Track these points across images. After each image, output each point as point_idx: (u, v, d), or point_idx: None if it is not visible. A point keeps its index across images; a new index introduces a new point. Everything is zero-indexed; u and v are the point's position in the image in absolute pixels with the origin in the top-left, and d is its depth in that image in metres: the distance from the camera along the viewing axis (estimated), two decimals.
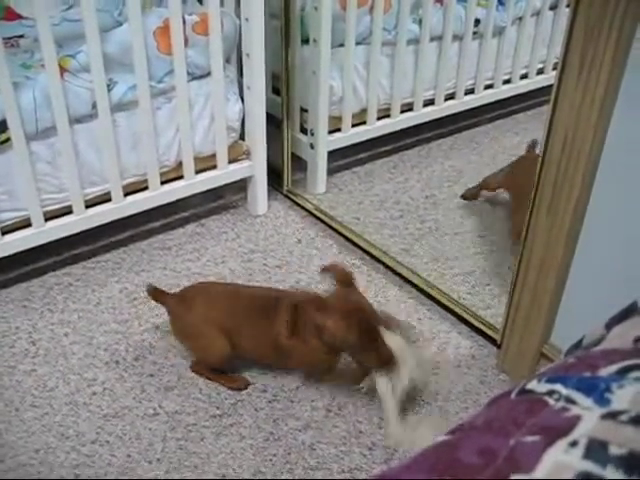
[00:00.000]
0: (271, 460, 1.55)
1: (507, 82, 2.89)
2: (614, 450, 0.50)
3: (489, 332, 1.87)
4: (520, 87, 2.94)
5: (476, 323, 1.91)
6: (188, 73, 2.03)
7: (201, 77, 2.09)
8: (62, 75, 1.81)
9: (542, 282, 1.59)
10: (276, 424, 1.63)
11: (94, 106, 1.89)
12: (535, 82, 2.96)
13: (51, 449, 1.56)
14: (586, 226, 1.48)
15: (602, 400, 0.55)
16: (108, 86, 1.89)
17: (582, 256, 1.52)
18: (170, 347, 1.84)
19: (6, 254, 1.91)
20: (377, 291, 2.04)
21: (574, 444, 0.51)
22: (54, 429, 1.61)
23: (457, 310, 1.96)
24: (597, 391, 0.57)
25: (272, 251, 2.21)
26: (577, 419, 0.54)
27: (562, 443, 0.51)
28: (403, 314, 1.96)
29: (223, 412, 1.66)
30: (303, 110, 2.43)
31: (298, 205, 2.43)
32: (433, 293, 2.02)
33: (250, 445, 1.58)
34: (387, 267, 2.13)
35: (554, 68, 2.87)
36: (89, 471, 1.51)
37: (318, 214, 2.37)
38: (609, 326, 0.80)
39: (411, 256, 2.19)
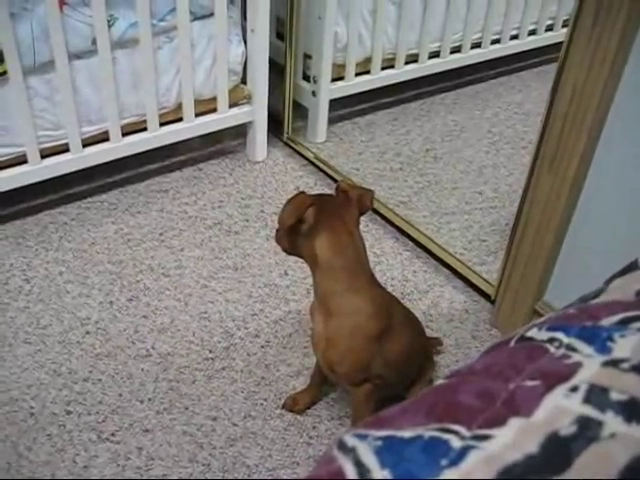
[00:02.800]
0: (262, 404, 1.56)
1: (515, 38, 2.84)
2: (615, 396, 0.50)
3: (483, 287, 1.87)
4: (528, 43, 2.89)
5: (471, 278, 1.91)
6: (191, 12, 1.98)
7: (204, 17, 2.04)
8: (61, 8, 1.77)
9: (540, 239, 1.58)
10: (268, 369, 1.64)
11: (94, 42, 1.85)
12: (543, 39, 2.91)
13: (43, 385, 1.57)
14: (588, 183, 1.46)
15: (604, 348, 0.55)
16: (108, 22, 1.85)
17: (582, 214, 1.51)
18: (164, 289, 1.83)
19: (1, 190, 1.89)
20: (373, 242, 2.03)
21: (574, 389, 0.51)
22: (47, 366, 1.62)
23: (452, 264, 1.95)
24: (599, 340, 0.56)
25: (270, 198, 2.20)
26: (578, 366, 0.53)
27: (562, 388, 0.51)
28: (398, 266, 1.96)
29: (215, 355, 1.67)
30: (306, 56, 2.39)
31: (297, 153, 2.41)
32: (429, 246, 2.01)
33: (241, 389, 1.59)
34: (384, 219, 2.12)
35: (564, 25, 2.83)
36: (80, 408, 1.52)
37: (317, 163, 2.35)
38: (608, 282, 0.79)
39: (409, 209, 2.18)
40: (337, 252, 1.27)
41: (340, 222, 1.28)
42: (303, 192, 1.29)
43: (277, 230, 1.35)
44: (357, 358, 1.32)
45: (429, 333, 1.74)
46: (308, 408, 1.55)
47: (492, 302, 1.81)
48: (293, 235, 1.30)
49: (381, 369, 1.33)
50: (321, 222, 1.26)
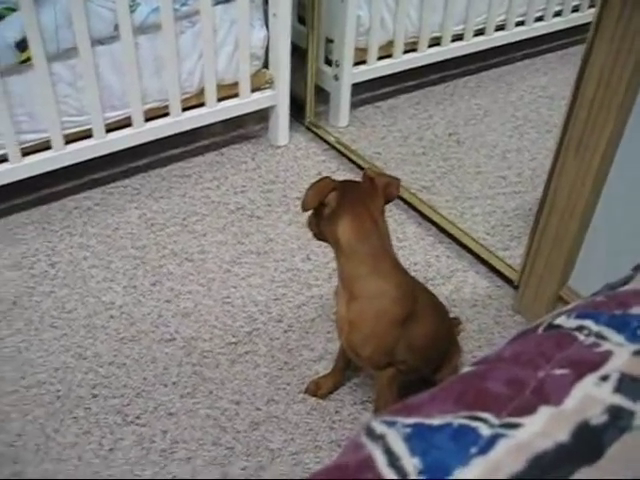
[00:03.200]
0: (285, 389, 1.57)
1: (539, 19, 2.80)
2: None
3: (507, 273, 1.86)
4: (553, 25, 2.84)
5: (494, 263, 1.90)
6: None
7: (226, 1, 2.04)
8: None
9: (565, 224, 1.57)
10: (291, 354, 1.65)
11: (116, 28, 1.85)
12: (569, 20, 2.86)
13: (69, 369, 1.59)
14: (615, 168, 1.44)
15: (634, 337, 0.54)
16: (131, 7, 1.85)
17: (608, 199, 1.49)
18: (187, 274, 1.84)
19: (26, 176, 1.91)
20: (396, 227, 2.03)
21: (605, 378, 0.50)
22: (72, 350, 1.64)
23: (476, 249, 1.94)
24: (629, 328, 0.55)
25: (292, 182, 2.20)
26: (608, 354, 0.53)
27: (592, 377, 0.50)
28: (421, 251, 1.95)
29: (238, 340, 1.68)
30: (329, 41, 2.37)
31: (319, 137, 2.40)
32: (452, 231, 2.00)
33: (264, 373, 1.60)
34: (407, 203, 2.11)
35: (590, 6, 2.78)
36: (106, 392, 1.54)
37: (339, 147, 2.34)
38: (637, 269, 0.78)
39: (432, 193, 2.17)
40: (359, 237, 1.27)
41: (363, 207, 1.28)
42: (327, 177, 1.29)
43: (309, 215, 1.36)
44: (380, 342, 1.32)
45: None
46: (331, 393, 1.55)
47: (515, 288, 1.80)
48: (318, 219, 1.31)
49: (405, 354, 1.33)
50: (343, 207, 1.26)
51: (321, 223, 1.31)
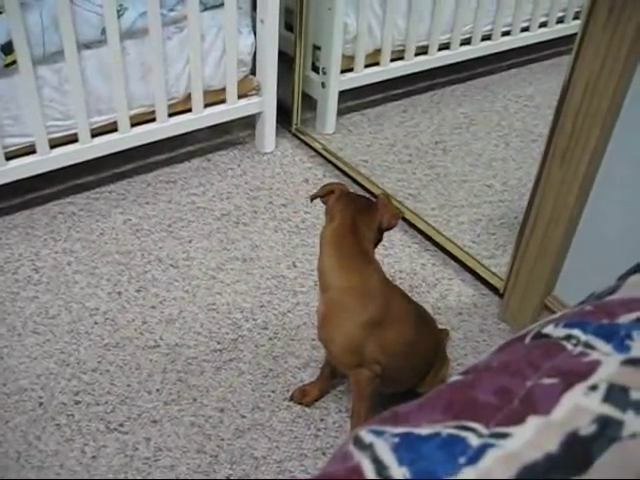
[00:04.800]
0: (269, 396, 1.56)
1: (525, 30, 2.82)
2: (635, 395, 0.49)
3: (492, 281, 1.86)
4: (538, 35, 2.87)
5: (480, 271, 1.90)
6: (201, 3, 1.97)
7: (214, 7, 2.03)
8: None
9: (550, 233, 1.57)
10: (276, 361, 1.64)
11: (103, 32, 1.84)
12: (554, 31, 2.89)
13: (52, 375, 1.57)
14: (600, 178, 1.45)
15: (622, 347, 0.54)
16: (118, 12, 1.84)
17: (593, 209, 1.50)
18: (172, 280, 1.83)
19: (10, 180, 1.89)
20: None
21: (594, 388, 0.50)
22: (55, 356, 1.62)
23: (461, 257, 1.95)
24: (617, 337, 0.56)
25: (278, 189, 2.19)
26: (597, 364, 0.53)
27: (581, 387, 0.50)
28: (407, 259, 1.95)
29: (223, 347, 1.67)
30: (316, 48, 2.38)
31: (306, 144, 2.40)
32: (438, 239, 2.01)
33: (249, 381, 1.59)
34: None
35: (575, 17, 2.81)
36: (89, 398, 1.53)
37: (326, 154, 2.34)
38: (623, 278, 0.79)
39: (418, 201, 2.17)
40: (336, 235, 1.34)
41: (350, 216, 1.34)
42: (340, 183, 1.47)
43: None
44: (345, 339, 1.32)
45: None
46: (316, 400, 1.55)
47: (501, 296, 1.80)
48: None
49: (379, 356, 1.33)
50: (334, 209, 1.37)
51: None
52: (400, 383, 1.45)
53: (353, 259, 1.33)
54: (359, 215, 1.35)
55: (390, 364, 1.35)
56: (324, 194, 1.41)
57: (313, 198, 1.44)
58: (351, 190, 1.44)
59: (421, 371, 1.46)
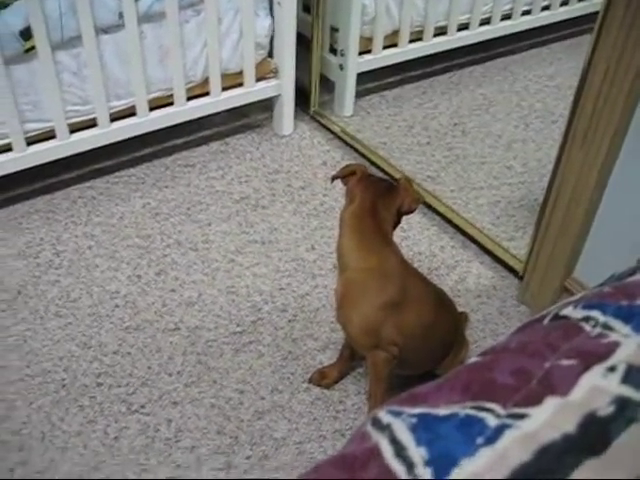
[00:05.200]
0: (289, 379, 1.57)
1: (546, 8, 2.78)
2: None
3: (511, 263, 1.86)
4: (559, 14, 2.83)
5: (499, 253, 1.89)
6: None
7: None
8: None
9: (570, 215, 1.56)
10: (295, 343, 1.65)
11: (121, 16, 1.84)
12: (575, 10, 2.84)
13: (74, 357, 1.59)
14: (621, 159, 1.44)
15: None
16: None
17: (614, 190, 1.48)
18: (192, 263, 1.84)
19: (30, 165, 1.91)
20: None
21: (612, 369, 0.50)
22: (77, 338, 1.64)
23: (480, 240, 1.94)
24: (636, 319, 0.55)
25: (296, 172, 2.19)
26: (615, 345, 0.52)
27: (599, 368, 0.50)
28: (425, 241, 1.95)
29: (243, 329, 1.68)
30: (333, 30, 2.36)
31: (324, 127, 2.40)
32: (457, 221, 2.00)
33: (269, 363, 1.60)
34: None
35: None
36: (110, 380, 1.55)
37: (344, 137, 2.33)
38: None
39: (436, 183, 2.16)
40: (356, 216, 1.34)
41: (370, 199, 1.34)
42: (361, 165, 1.44)
43: None
44: (362, 319, 1.33)
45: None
46: (336, 382, 1.56)
47: (520, 278, 1.79)
48: None
49: (396, 338, 1.33)
50: (355, 190, 1.37)
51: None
52: (417, 365, 1.45)
53: (372, 241, 1.33)
54: (379, 198, 1.35)
55: (407, 346, 1.35)
56: (345, 175, 1.41)
57: (334, 179, 1.44)
58: (371, 172, 1.43)
59: (439, 354, 1.46)
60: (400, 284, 1.33)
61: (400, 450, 0.46)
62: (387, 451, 0.46)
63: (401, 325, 1.33)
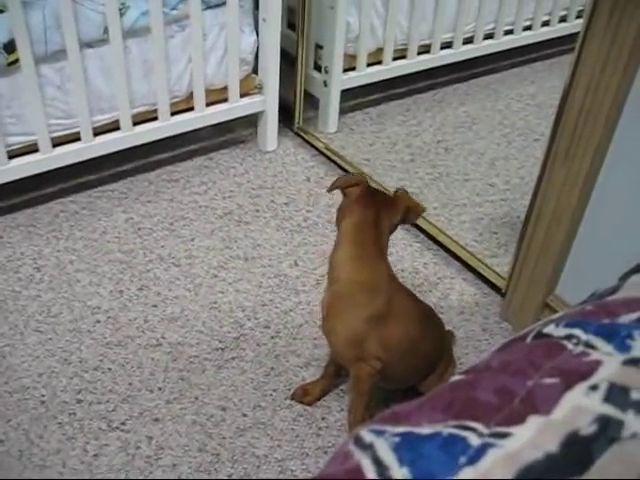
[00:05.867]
0: (271, 395, 1.56)
1: (528, 29, 2.82)
2: (636, 395, 0.49)
3: (494, 280, 1.86)
4: (541, 34, 2.86)
5: (482, 270, 1.90)
6: (203, 1, 1.97)
7: (216, 6, 2.03)
8: None
9: (552, 232, 1.57)
10: (277, 360, 1.64)
11: (105, 31, 1.84)
12: (556, 30, 2.87)
13: (54, 373, 1.58)
14: (602, 176, 1.45)
15: (623, 346, 0.54)
16: (120, 10, 1.84)
17: (596, 207, 1.49)
18: (174, 279, 1.83)
19: (12, 179, 1.89)
20: None
21: (594, 388, 0.50)
22: (57, 354, 1.62)
23: (463, 257, 1.95)
24: (618, 337, 0.55)
25: (280, 188, 2.19)
26: (597, 364, 0.53)
27: (582, 386, 0.50)
28: (409, 258, 1.95)
29: (225, 345, 1.67)
30: (318, 47, 2.38)
31: (308, 143, 2.40)
32: (440, 238, 2.01)
33: (251, 379, 1.59)
34: None
35: (577, 17, 2.80)
36: (91, 397, 1.53)
37: (328, 153, 2.34)
38: (624, 278, 0.79)
39: (420, 200, 2.16)
40: (357, 230, 1.35)
41: (373, 211, 1.35)
42: (364, 179, 1.41)
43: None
44: (347, 331, 1.33)
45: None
46: (318, 400, 1.55)
47: (503, 295, 1.80)
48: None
49: (379, 351, 1.33)
50: (358, 202, 1.36)
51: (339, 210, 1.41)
52: (402, 380, 1.45)
53: (368, 254, 1.34)
54: (381, 210, 1.36)
55: (391, 361, 1.35)
56: (347, 186, 1.39)
57: (333, 189, 1.42)
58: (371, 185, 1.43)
59: (424, 369, 1.46)
60: (387, 298, 1.33)
61: (383, 470, 0.46)
62: (369, 471, 0.46)
63: (386, 339, 1.33)
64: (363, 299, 1.32)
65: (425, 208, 1.46)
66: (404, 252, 1.97)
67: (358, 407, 1.38)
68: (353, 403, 1.40)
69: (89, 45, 1.86)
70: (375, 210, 1.36)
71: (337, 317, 1.34)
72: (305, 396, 1.55)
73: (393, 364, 1.36)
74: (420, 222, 2.05)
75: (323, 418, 1.52)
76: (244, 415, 1.52)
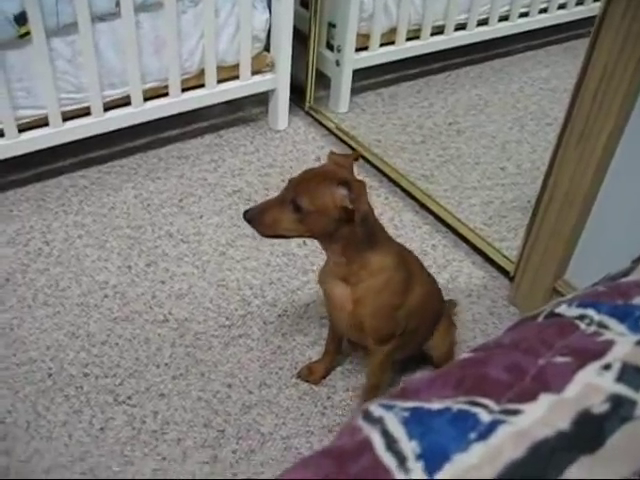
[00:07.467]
0: (277, 373, 1.56)
1: (543, 11, 2.78)
2: None
3: (503, 264, 1.86)
4: (556, 17, 2.82)
5: (490, 254, 1.89)
6: None
7: None
8: None
9: (563, 216, 1.56)
10: (284, 338, 1.64)
11: (117, 4, 1.83)
12: (572, 13, 2.84)
13: (61, 347, 1.58)
14: (616, 161, 1.44)
15: (636, 327, 0.54)
16: None
17: (608, 192, 1.48)
18: (182, 255, 1.83)
19: (22, 152, 1.89)
20: (393, 215, 2.02)
21: (607, 367, 0.50)
22: (65, 328, 1.63)
23: (472, 239, 1.94)
24: (631, 318, 0.55)
25: (290, 167, 2.18)
26: (610, 344, 0.52)
27: (594, 366, 0.50)
28: (417, 240, 1.95)
29: (232, 323, 1.67)
30: (331, 25, 2.35)
31: (319, 123, 2.39)
32: (449, 221, 2.00)
33: (257, 357, 1.60)
34: (404, 191, 2.10)
35: (595, 0, 2.77)
36: (97, 371, 1.53)
37: (339, 133, 2.33)
38: (638, 260, 0.78)
39: (430, 182, 2.16)
40: (373, 221, 1.28)
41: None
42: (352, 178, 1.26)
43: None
44: (387, 312, 1.32)
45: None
46: (323, 378, 1.55)
47: (511, 279, 1.79)
48: (302, 215, 1.24)
49: (404, 320, 1.34)
50: (365, 193, 1.20)
51: (309, 217, 1.23)
52: (412, 345, 1.47)
53: (377, 237, 1.30)
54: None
55: (411, 325, 1.37)
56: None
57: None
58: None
59: (431, 327, 1.48)
60: (406, 267, 1.34)
61: (391, 443, 0.46)
62: (378, 444, 0.46)
63: (409, 304, 1.34)
64: (395, 277, 1.30)
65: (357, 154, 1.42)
66: (413, 234, 1.97)
67: (381, 383, 1.41)
68: (377, 380, 1.43)
69: (101, 18, 1.85)
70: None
71: (376, 304, 1.31)
72: (311, 375, 1.55)
73: (411, 327, 1.38)
74: (430, 204, 2.04)
75: (328, 397, 1.52)
76: (250, 392, 1.52)
